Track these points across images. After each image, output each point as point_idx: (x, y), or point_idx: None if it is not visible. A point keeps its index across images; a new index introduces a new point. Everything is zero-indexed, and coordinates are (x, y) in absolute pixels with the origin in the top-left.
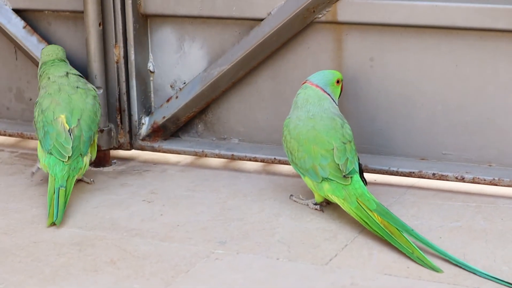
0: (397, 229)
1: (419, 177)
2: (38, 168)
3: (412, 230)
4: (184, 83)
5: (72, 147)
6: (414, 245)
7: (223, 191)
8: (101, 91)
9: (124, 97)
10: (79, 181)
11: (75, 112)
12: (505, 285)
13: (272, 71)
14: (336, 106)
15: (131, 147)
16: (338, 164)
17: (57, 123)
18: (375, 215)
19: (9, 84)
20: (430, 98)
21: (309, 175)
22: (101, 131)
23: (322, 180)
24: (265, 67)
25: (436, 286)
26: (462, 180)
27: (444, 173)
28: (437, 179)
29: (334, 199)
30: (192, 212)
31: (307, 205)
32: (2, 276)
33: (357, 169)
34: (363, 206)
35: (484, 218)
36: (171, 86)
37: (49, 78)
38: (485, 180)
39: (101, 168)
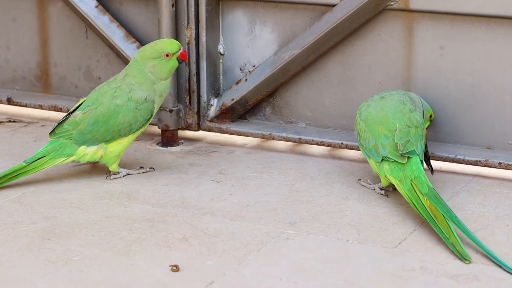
0: (443, 215)
1: (485, 166)
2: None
3: (456, 217)
4: (254, 66)
5: (61, 128)
6: (454, 232)
7: (290, 173)
8: None
9: (194, 78)
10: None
11: (94, 103)
12: None
13: (342, 57)
14: (420, 109)
15: (199, 128)
16: (397, 143)
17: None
18: (425, 198)
19: (79, 62)
20: (498, 88)
21: (372, 155)
22: (170, 111)
23: (382, 160)
24: (335, 52)
25: (502, 273)
26: None
27: (510, 163)
28: (503, 169)
29: (392, 179)
30: (261, 193)
31: (374, 189)
32: (76, 249)
33: (418, 151)
34: (416, 189)
35: None
36: (240, 68)
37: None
38: None
39: (169, 148)
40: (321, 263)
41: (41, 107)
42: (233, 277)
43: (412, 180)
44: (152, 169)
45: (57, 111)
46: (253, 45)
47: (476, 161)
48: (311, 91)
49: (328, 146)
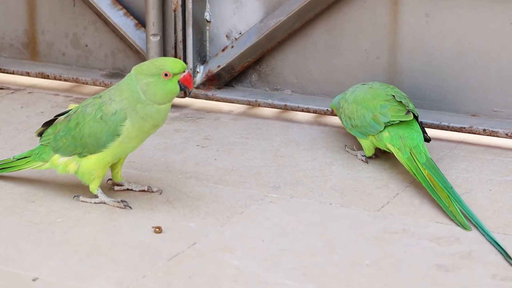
0: (440, 184)
1: (469, 133)
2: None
3: (451, 187)
4: (240, 33)
5: (46, 132)
6: (453, 201)
7: (275, 139)
8: (158, 38)
9: (180, 45)
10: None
11: (76, 109)
12: (502, 253)
13: (328, 24)
14: None
15: (185, 94)
16: (400, 102)
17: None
18: (423, 168)
19: (66, 30)
20: (483, 55)
21: (371, 128)
22: None
23: (384, 128)
24: (321, 19)
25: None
26: None
27: (494, 129)
28: (488, 135)
29: (391, 148)
30: (246, 158)
31: (356, 155)
32: (60, 211)
33: (417, 115)
34: (414, 158)
35: None
36: (226, 36)
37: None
38: None
39: None
40: (303, 226)
41: (28, 74)
42: (215, 238)
43: (411, 149)
44: (128, 205)
45: (44, 78)
46: (239, 12)
47: (461, 127)
48: (297, 58)
49: (313, 112)
